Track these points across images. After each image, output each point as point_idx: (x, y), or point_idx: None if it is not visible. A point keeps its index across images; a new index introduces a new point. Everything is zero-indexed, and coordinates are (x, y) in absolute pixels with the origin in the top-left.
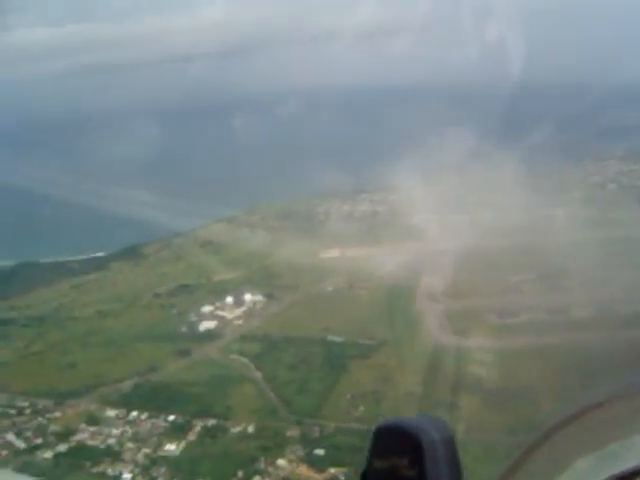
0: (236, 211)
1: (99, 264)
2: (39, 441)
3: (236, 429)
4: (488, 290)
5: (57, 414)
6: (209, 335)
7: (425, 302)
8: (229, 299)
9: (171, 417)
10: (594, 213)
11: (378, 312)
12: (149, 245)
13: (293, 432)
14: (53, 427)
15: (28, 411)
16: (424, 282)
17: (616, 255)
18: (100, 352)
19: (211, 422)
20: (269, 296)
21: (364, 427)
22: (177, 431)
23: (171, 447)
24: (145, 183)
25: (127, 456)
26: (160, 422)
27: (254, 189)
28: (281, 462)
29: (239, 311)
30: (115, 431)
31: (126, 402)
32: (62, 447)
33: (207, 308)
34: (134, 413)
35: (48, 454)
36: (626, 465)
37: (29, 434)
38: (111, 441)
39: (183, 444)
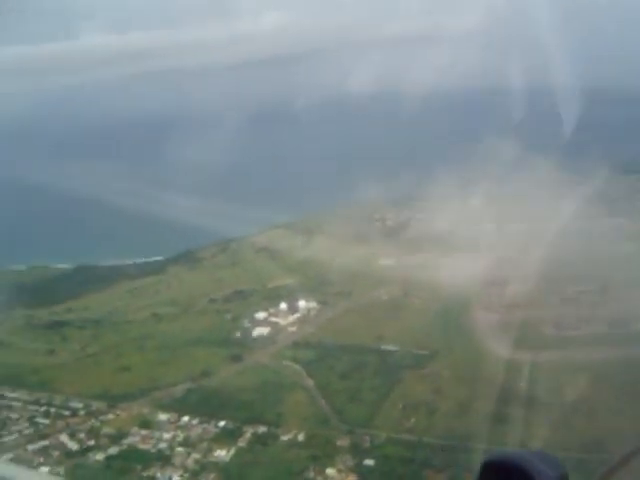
0: (295, 217)
1: (156, 268)
2: (91, 443)
3: (286, 437)
4: (546, 301)
5: (110, 416)
6: (262, 341)
7: (481, 312)
8: (283, 305)
9: (222, 423)
10: None
11: (433, 322)
12: (205, 250)
13: (343, 441)
14: (106, 429)
15: (82, 413)
16: (480, 292)
17: None
18: (154, 356)
19: (262, 429)
20: (323, 303)
21: (415, 438)
22: (227, 437)
23: (221, 453)
24: (208, 189)
25: (177, 461)
26: (211, 427)
27: (324, 194)
28: (330, 472)
29: (293, 318)
30: (166, 435)
31: (178, 407)
32: (114, 450)
33: (261, 314)
34: (185, 418)
35: (100, 456)
36: None
37: (82, 436)
38: (162, 445)
39: (233, 450)
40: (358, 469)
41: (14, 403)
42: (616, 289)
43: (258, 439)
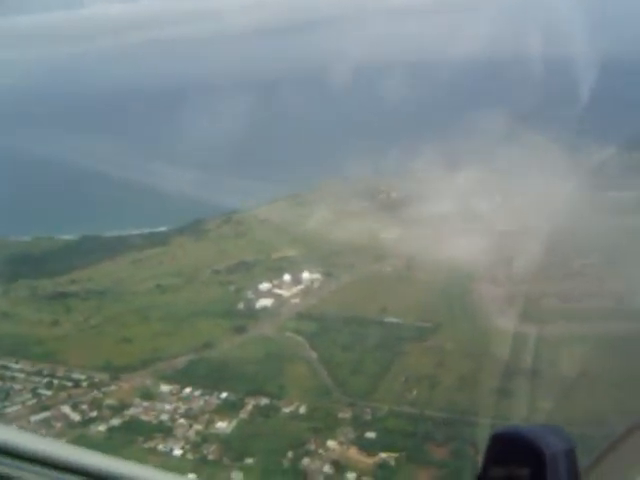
0: (299, 190)
1: (160, 239)
2: (94, 414)
3: (288, 409)
4: (550, 274)
5: (113, 388)
6: (266, 313)
7: (484, 285)
8: (287, 277)
9: (224, 394)
10: None
11: (436, 295)
12: (210, 221)
13: (345, 414)
14: (108, 401)
15: (85, 384)
16: (484, 265)
17: None
18: (157, 327)
19: (264, 401)
20: (327, 275)
21: (417, 411)
22: (229, 409)
23: (222, 425)
24: (213, 159)
25: (179, 432)
26: (213, 399)
27: (330, 165)
28: (331, 444)
29: (296, 289)
30: (168, 407)
31: (181, 378)
32: (116, 421)
33: (265, 285)
34: (188, 389)
35: (102, 427)
36: None
37: (84, 407)
38: (164, 417)
39: (235, 422)
40: (359, 442)
41: (17, 374)
42: (621, 263)
43: (260, 411)
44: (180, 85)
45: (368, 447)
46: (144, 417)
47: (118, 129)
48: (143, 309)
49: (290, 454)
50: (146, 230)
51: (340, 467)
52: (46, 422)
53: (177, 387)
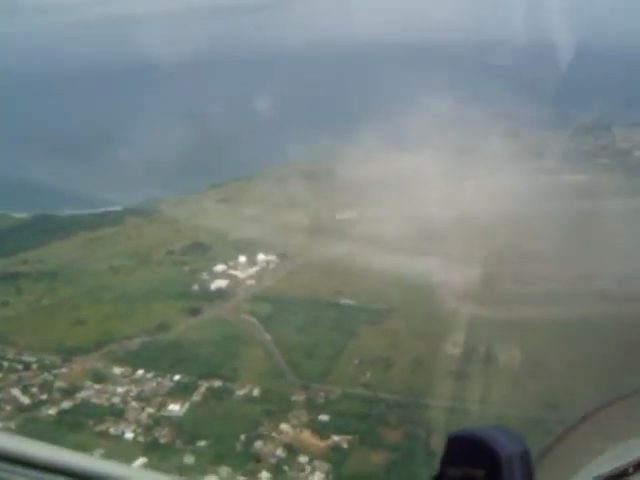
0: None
1: (115, 218)
2: (44, 397)
3: (241, 391)
4: (505, 258)
5: (64, 370)
6: (220, 294)
7: (439, 267)
8: (242, 258)
9: (177, 377)
10: (620, 181)
11: (391, 277)
12: (165, 201)
13: (298, 396)
14: (59, 383)
15: (35, 366)
16: (439, 248)
17: None
18: (110, 308)
19: (217, 383)
20: (282, 256)
21: (370, 394)
22: (182, 391)
23: (175, 407)
24: (174, 138)
25: (130, 415)
26: (166, 382)
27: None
28: (284, 427)
29: (252, 271)
30: (120, 389)
31: (133, 360)
32: (66, 404)
33: (220, 267)
34: (140, 372)
35: (52, 411)
36: None
37: (34, 390)
38: (115, 399)
39: (187, 405)
40: (312, 424)
41: None
42: (575, 246)
43: (213, 394)
44: (140, 62)
45: (321, 430)
46: (95, 400)
47: (76, 104)
48: (96, 290)
49: (243, 437)
50: (100, 209)
51: (293, 450)
52: None
53: (130, 369)
